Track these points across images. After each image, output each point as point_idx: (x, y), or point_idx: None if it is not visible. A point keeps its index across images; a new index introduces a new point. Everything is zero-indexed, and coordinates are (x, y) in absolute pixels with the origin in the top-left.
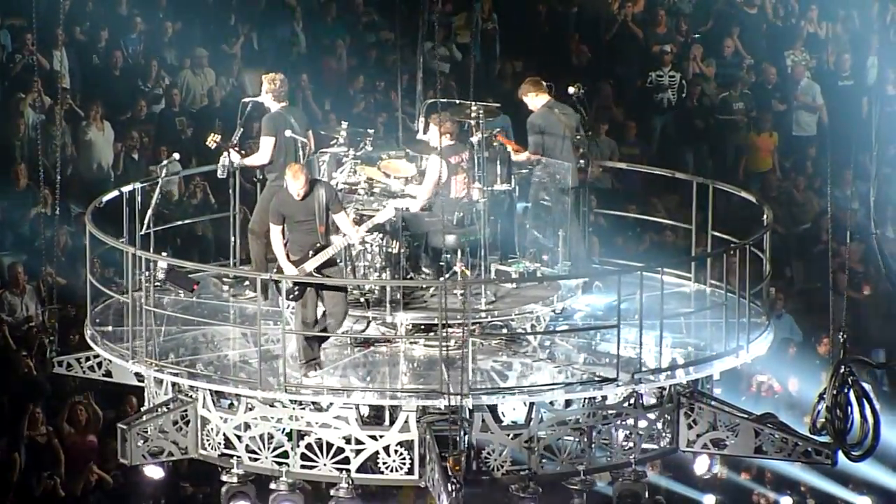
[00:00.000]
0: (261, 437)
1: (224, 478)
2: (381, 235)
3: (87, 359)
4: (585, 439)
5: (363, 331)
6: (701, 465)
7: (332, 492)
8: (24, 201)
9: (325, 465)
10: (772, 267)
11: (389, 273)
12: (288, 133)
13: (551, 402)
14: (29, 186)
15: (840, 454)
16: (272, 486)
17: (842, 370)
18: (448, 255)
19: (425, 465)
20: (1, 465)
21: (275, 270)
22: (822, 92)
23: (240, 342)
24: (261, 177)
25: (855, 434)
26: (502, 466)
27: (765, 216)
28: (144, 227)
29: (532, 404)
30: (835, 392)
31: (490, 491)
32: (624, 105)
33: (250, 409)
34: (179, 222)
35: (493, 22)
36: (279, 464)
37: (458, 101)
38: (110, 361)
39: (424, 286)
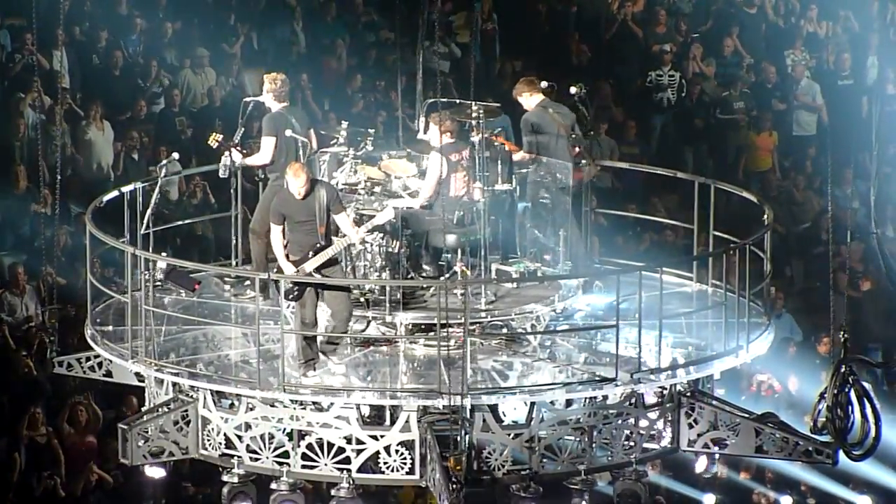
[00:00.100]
0: (261, 437)
1: (225, 478)
2: (381, 235)
3: (88, 359)
4: (586, 439)
5: (363, 331)
6: (701, 463)
7: (332, 492)
8: (23, 201)
9: (325, 464)
10: (772, 266)
11: (389, 273)
12: (288, 133)
13: (552, 402)
14: (29, 186)
15: (841, 453)
16: (273, 486)
17: (842, 369)
18: (448, 255)
19: (426, 464)
20: (1, 466)
21: (275, 270)
22: (822, 91)
23: (240, 342)
24: (262, 176)
25: (856, 433)
26: (503, 466)
27: (765, 216)
28: (143, 226)
29: (533, 404)
30: (836, 391)
31: (491, 491)
32: (624, 104)
33: (251, 409)
34: (179, 222)
35: (492, 21)
36: (280, 464)
37: (458, 101)
38: (111, 361)
39: (424, 286)
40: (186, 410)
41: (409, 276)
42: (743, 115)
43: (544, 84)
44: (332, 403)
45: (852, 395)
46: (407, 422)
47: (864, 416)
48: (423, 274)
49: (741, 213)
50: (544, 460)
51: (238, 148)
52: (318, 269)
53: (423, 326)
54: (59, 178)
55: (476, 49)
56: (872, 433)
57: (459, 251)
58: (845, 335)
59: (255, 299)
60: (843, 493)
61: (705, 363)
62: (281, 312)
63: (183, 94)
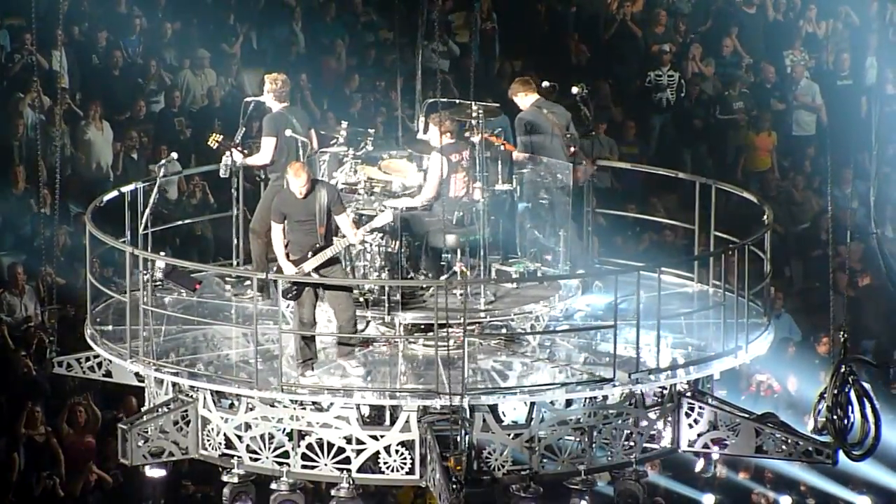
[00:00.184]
0: (261, 437)
1: (225, 478)
2: (380, 235)
3: (87, 359)
4: (586, 439)
5: (362, 330)
6: (700, 462)
7: (332, 492)
8: (23, 201)
9: (325, 465)
10: (771, 266)
11: (389, 273)
12: (288, 133)
13: (552, 402)
14: (28, 187)
15: (841, 454)
16: (273, 486)
17: (842, 369)
18: (448, 255)
19: (426, 464)
20: (0, 466)
21: (274, 270)
22: (822, 91)
23: (240, 342)
24: (263, 176)
25: (856, 433)
26: (503, 466)
27: (765, 216)
28: (142, 226)
29: (533, 404)
30: (835, 391)
31: (491, 491)
32: (623, 104)
33: (251, 409)
34: (179, 222)
35: (492, 21)
36: (280, 464)
37: (457, 101)
38: (110, 361)
39: (424, 286)
40: (186, 410)
41: (409, 277)
42: (742, 116)
43: (546, 84)
44: (331, 403)
45: (852, 395)
46: (407, 422)
47: (864, 416)
48: (423, 274)
49: (740, 213)
50: (544, 460)
51: (238, 148)
52: (316, 270)
53: (422, 327)
54: (58, 178)
55: (475, 49)
56: (872, 433)
57: (459, 251)
58: (845, 335)
59: (254, 299)
60: (843, 494)
61: (705, 363)
62: (280, 312)
63: (182, 94)
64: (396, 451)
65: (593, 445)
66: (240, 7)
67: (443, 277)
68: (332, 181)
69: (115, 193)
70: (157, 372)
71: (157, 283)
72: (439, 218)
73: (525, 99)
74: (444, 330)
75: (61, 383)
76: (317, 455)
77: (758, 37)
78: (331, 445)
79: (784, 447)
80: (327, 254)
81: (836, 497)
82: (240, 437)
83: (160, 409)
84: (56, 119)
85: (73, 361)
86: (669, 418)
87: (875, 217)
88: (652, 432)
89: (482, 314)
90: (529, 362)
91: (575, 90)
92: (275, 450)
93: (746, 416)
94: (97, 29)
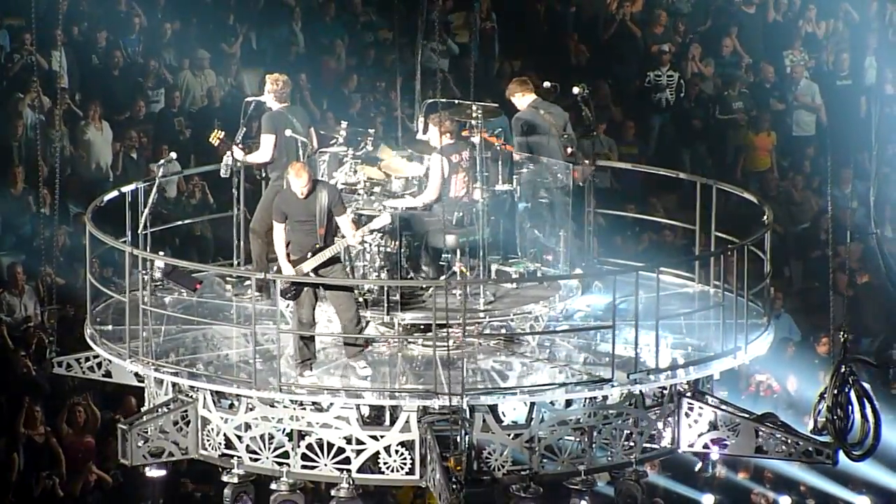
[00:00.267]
0: (261, 437)
1: (225, 478)
2: (380, 235)
3: (87, 359)
4: (586, 439)
5: (362, 330)
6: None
7: (332, 492)
8: (22, 201)
9: (325, 465)
10: (771, 266)
11: (388, 273)
12: (288, 132)
13: (552, 402)
14: (27, 187)
15: (841, 454)
16: (273, 486)
17: (842, 369)
18: (448, 255)
19: (426, 465)
20: (0, 466)
21: (274, 270)
22: (821, 92)
23: (239, 342)
24: (263, 176)
25: (856, 433)
26: (503, 466)
27: (765, 216)
28: (141, 226)
29: (533, 404)
30: (835, 391)
31: (491, 491)
32: (622, 104)
33: (251, 410)
34: (178, 222)
35: (491, 21)
36: (280, 464)
37: (457, 101)
38: (110, 362)
39: (424, 286)
40: (186, 411)
41: (409, 277)
42: (742, 116)
43: (547, 84)
44: (331, 403)
45: (852, 395)
46: (407, 422)
47: (863, 416)
48: (423, 275)
49: (740, 213)
50: (544, 460)
51: (240, 146)
52: (315, 270)
53: (422, 327)
54: (58, 178)
55: (475, 49)
56: (872, 433)
57: (459, 252)
58: (845, 335)
59: (253, 299)
60: (843, 494)
61: (704, 363)
62: (278, 312)
63: (182, 94)
64: (396, 452)
65: (593, 445)
66: (239, 7)
67: (442, 277)
68: (332, 181)
69: (114, 193)
70: (157, 372)
71: (157, 283)
72: (439, 218)
73: (522, 99)
74: (444, 330)
75: (61, 383)
76: (317, 455)
77: (757, 37)
78: (331, 445)
79: (784, 447)
80: (326, 254)
81: (835, 497)
82: (240, 438)
83: (160, 410)
84: (56, 119)
85: (73, 361)
86: (669, 418)
87: (875, 217)
88: (652, 432)
89: (482, 314)
90: (529, 362)
91: (576, 90)
92: (275, 450)
93: (746, 416)
94: (97, 29)
